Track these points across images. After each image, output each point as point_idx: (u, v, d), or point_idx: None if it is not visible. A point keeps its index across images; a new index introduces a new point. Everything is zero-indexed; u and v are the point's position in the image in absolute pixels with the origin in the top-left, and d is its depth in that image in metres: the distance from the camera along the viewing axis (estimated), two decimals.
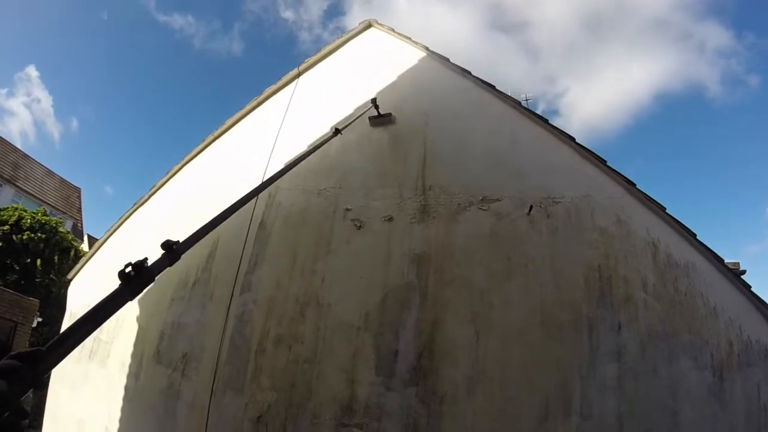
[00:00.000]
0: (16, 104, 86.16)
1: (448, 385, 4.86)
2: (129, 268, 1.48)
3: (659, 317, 4.67)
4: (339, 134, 4.77)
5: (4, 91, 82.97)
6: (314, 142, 5.28)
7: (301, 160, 3.82)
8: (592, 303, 4.82)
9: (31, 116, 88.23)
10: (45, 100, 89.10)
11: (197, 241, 2.02)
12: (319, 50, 8.25)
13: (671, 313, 4.69)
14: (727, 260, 5.08)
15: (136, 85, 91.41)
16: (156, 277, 1.58)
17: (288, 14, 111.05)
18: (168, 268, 5.56)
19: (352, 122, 5.59)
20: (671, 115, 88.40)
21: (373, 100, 6.51)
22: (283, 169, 3.44)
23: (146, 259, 1.52)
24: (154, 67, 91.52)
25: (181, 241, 1.78)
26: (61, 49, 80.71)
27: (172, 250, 1.71)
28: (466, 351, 4.94)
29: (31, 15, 72.88)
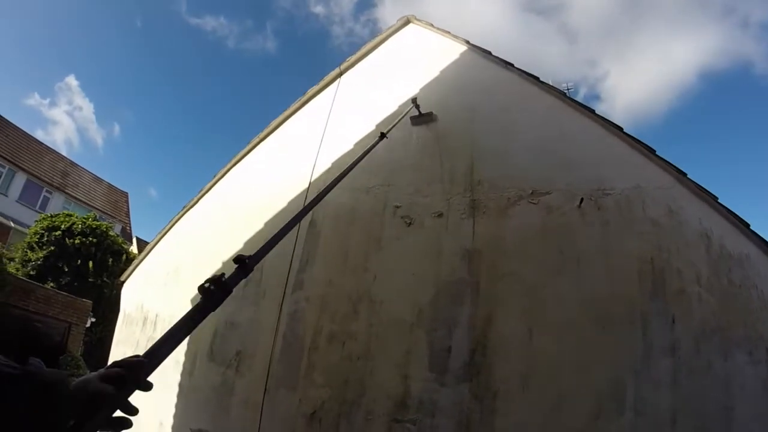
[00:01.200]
0: (58, 113, 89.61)
1: (501, 381, 4.84)
2: (208, 284, 1.58)
3: (713, 310, 4.53)
4: (385, 138, 4.79)
5: (47, 101, 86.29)
6: (362, 146, 5.30)
7: (354, 165, 3.85)
8: (646, 297, 4.70)
9: (74, 124, 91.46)
10: (86, 107, 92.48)
11: (267, 253, 2.10)
12: (358, 49, 8.32)
13: (725, 306, 4.54)
14: None
15: (173, 88, 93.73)
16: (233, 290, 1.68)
17: (319, 9, 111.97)
18: (219, 268, 5.74)
19: (396, 123, 5.61)
20: (717, 94, 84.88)
21: (413, 100, 6.48)
22: (342, 173, 3.48)
23: (223, 274, 1.61)
24: (190, 68, 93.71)
25: (252, 255, 1.87)
26: (98, 57, 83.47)
27: (245, 264, 1.79)
28: (519, 346, 4.91)
29: (67, 25, 75.26)
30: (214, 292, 1.59)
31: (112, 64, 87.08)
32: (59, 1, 73.66)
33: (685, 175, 5.09)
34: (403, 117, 6.18)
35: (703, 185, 5.01)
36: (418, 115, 6.61)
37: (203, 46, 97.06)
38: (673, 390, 4.33)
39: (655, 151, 5.30)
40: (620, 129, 5.52)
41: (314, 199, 3.11)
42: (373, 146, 4.39)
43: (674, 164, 5.15)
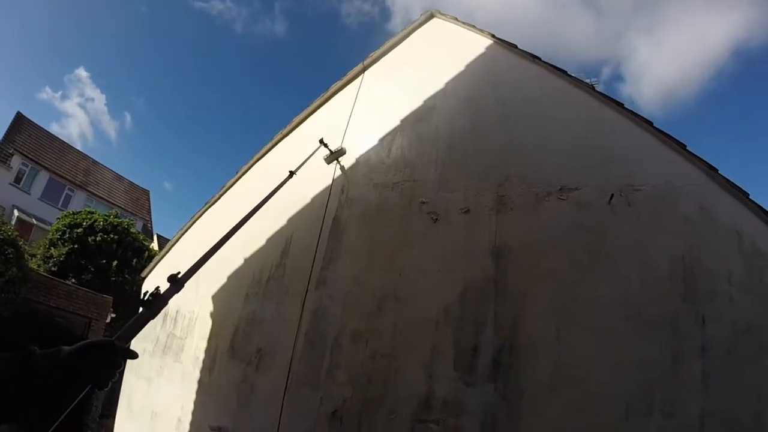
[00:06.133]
0: (71, 106, 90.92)
1: (528, 382, 4.72)
2: (148, 296, 1.76)
3: (744, 311, 4.37)
4: (294, 175, 4.87)
5: (58, 94, 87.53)
6: (387, 143, 5.26)
7: (267, 201, 3.77)
8: (677, 296, 4.52)
9: (87, 116, 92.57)
10: (98, 98, 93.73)
11: (196, 271, 2.18)
12: (382, 44, 8.21)
13: (758, 307, 4.34)
14: None
15: (182, 75, 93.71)
16: (169, 301, 1.80)
17: None
18: (241, 265, 5.71)
19: (304, 162, 5.52)
20: (754, 73, 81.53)
21: (321, 140, 6.95)
22: (254, 208, 3.42)
23: (158, 287, 1.76)
24: (197, 55, 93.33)
25: (183, 273, 1.99)
26: (106, 47, 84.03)
27: (177, 280, 1.92)
28: (547, 346, 4.77)
29: (72, 16, 75.89)
30: (152, 303, 1.75)
31: (119, 53, 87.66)
32: None
33: (716, 171, 4.92)
34: (312, 154, 6.32)
35: (735, 180, 4.81)
36: (330, 153, 7.20)
37: (211, 31, 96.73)
38: (703, 393, 4.18)
39: (686, 146, 5.14)
40: (650, 123, 5.36)
41: (236, 224, 3.06)
42: (282, 184, 4.34)
43: (705, 159, 4.99)
